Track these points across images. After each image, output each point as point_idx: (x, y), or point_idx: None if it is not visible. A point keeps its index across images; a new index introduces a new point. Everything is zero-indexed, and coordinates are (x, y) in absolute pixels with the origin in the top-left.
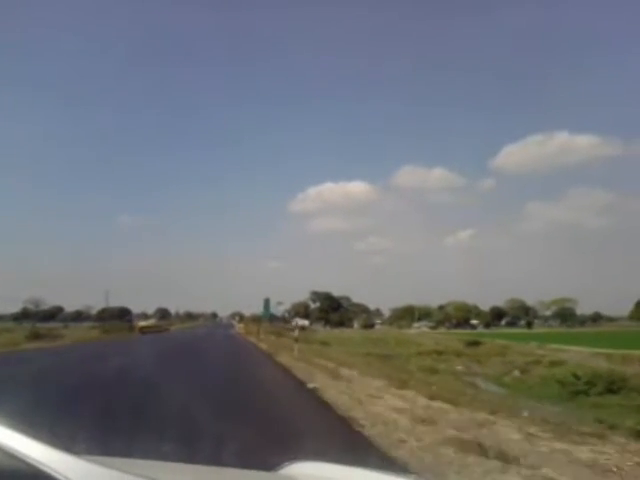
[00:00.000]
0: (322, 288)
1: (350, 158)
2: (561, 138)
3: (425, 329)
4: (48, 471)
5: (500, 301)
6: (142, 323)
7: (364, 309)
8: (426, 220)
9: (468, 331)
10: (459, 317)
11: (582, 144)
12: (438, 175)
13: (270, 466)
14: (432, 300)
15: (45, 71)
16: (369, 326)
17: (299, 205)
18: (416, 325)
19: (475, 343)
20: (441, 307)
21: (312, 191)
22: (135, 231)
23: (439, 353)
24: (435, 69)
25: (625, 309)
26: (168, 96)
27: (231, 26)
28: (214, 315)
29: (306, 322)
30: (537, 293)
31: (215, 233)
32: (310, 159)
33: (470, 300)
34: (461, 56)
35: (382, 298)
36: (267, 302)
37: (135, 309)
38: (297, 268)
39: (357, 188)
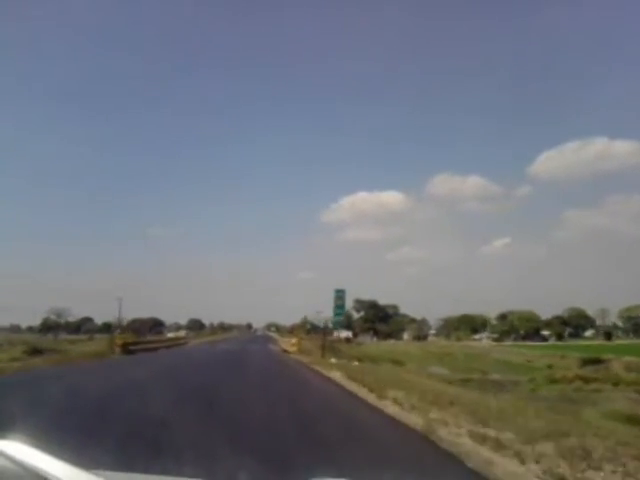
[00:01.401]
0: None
1: (384, 167)
2: (599, 144)
3: (488, 341)
4: None
5: (538, 310)
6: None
7: (412, 319)
8: (460, 229)
9: (542, 343)
10: (527, 328)
11: (621, 150)
12: (473, 183)
13: None
14: (467, 309)
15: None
16: (422, 337)
17: (332, 215)
18: (476, 337)
19: (596, 361)
20: (502, 316)
21: (345, 201)
22: (170, 244)
23: (585, 380)
24: (471, 76)
25: None
26: (197, 106)
27: (263, 30)
28: (249, 326)
29: (349, 333)
30: (577, 302)
31: (248, 245)
32: (343, 169)
33: (502, 309)
34: (497, 62)
35: (416, 308)
36: (340, 295)
37: (169, 320)
38: (330, 278)
39: (391, 198)
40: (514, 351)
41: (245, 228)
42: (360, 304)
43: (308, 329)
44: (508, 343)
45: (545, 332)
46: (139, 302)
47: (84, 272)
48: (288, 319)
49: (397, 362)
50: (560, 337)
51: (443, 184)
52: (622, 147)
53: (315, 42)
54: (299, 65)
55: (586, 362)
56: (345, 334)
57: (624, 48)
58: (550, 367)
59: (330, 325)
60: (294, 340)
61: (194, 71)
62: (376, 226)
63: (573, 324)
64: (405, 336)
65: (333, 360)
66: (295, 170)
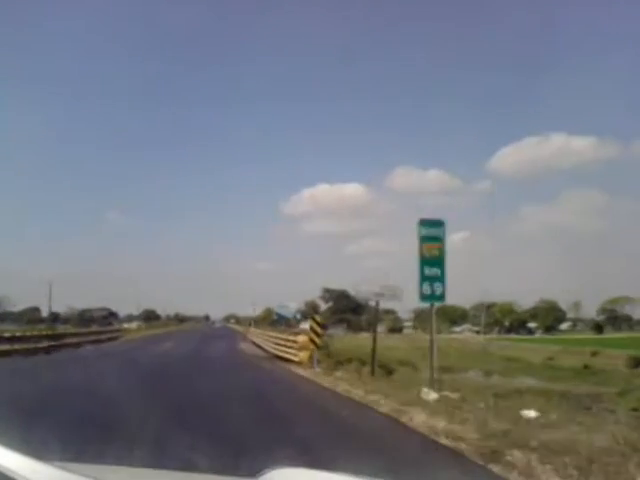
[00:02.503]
0: (313, 292)
1: (345, 159)
2: (558, 140)
3: (470, 334)
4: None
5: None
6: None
7: (385, 311)
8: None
9: (532, 337)
10: (511, 320)
11: (579, 146)
12: (433, 177)
13: (251, 473)
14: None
15: (43, 66)
16: (396, 330)
17: (293, 207)
18: (457, 329)
19: None
20: (489, 306)
21: (306, 192)
22: (122, 230)
23: None
24: (432, 68)
25: None
26: (159, 92)
27: (222, 24)
28: (206, 318)
29: (303, 325)
30: (532, 296)
31: (207, 235)
32: (304, 160)
33: (461, 302)
34: (458, 55)
35: None
36: None
37: (124, 311)
38: (289, 270)
39: (352, 190)
40: (515, 346)
41: (204, 218)
42: (329, 293)
43: (271, 321)
44: (493, 336)
45: (531, 325)
46: (93, 292)
47: (32, 258)
48: (247, 311)
49: (403, 363)
50: (548, 330)
51: (403, 177)
52: (580, 143)
53: (275, 30)
54: (261, 51)
55: None
56: (307, 325)
57: (585, 42)
58: (608, 371)
59: (298, 317)
60: (301, 339)
61: (155, 55)
62: (337, 218)
63: (550, 317)
64: (378, 329)
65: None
66: (255, 159)
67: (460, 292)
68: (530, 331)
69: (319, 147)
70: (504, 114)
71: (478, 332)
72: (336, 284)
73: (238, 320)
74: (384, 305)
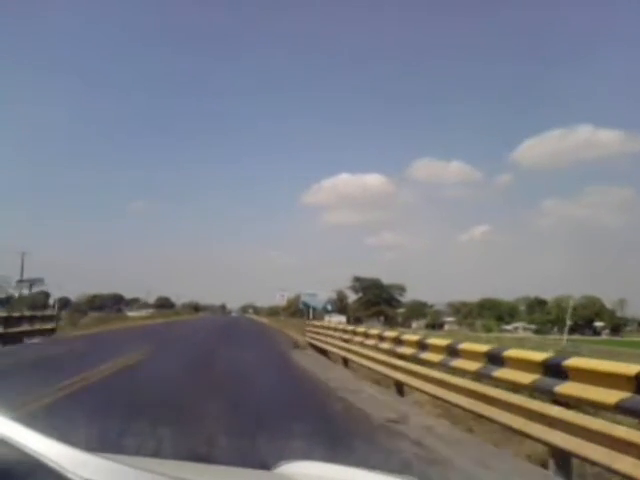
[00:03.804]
0: (333, 283)
1: (367, 149)
2: (583, 133)
3: (523, 333)
4: (56, 467)
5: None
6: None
7: (422, 303)
8: (441, 214)
9: (598, 338)
10: (577, 318)
11: (604, 139)
12: (455, 168)
13: (266, 466)
14: (449, 296)
15: (59, 54)
16: (438, 326)
17: (313, 196)
18: (508, 327)
19: None
20: (539, 303)
21: (326, 183)
22: (143, 218)
23: None
24: (454, 60)
25: None
26: (180, 81)
27: (241, 15)
28: (223, 307)
29: (342, 318)
30: (554, 291)
31: (227, 225)
32: (325, 149)
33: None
34: (481, 46)
35: None
36: None
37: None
38: (308, 261)
39: (372, 180)
40: (611, 351)
41: (224, 208)
42: (359, 283)
43: (293, 312)
44: (555, 336)
45: (598, 324)
46: (110, 279)
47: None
48: (265, 301)
49: None
50: (616, 330)
51: (425, 168)
52: (606, 136)
53: (295, 21)
54: (281, 42)
55: None
56: (337, 319)
57: (611, 35)
58: None
59: (329, 308)
60: None
61: (175, 46)
62: (357, 209)
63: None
64: (414, 324)
65: None
66: (276, 149)
67: (479, 285)
68: (595, 331)
69: (340, 136)
70: (528, 105)
71: (537, 331)
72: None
73: (256, 310)
74: (415, 296)
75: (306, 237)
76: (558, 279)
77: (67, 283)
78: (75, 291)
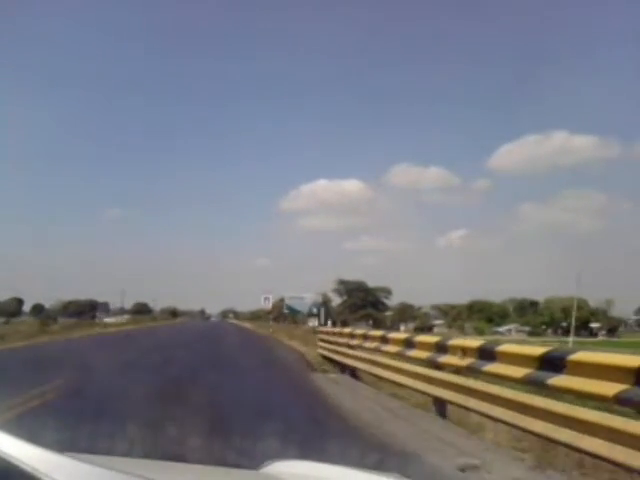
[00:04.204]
0: (305, 288)
1: (345, 155)
2: (559, 138)
3: (516, 335)
4: (30, 470)
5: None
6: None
7: (405, 306)
8: (419, 220)
9: (595, 339)
10: (579, 318)
11: (580, 145)
12: (433, 174)
13: (252, 465)
14: (430, 300)
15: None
16: (426, 329)
17: (291, 202)
18: (501, 329)
19: None
20: (532, 304)
21: (305, 188)
22: (119, 225)
23: None
24: (432, 65)
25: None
26: (156, 88)
27: (224, 20)
28: (202, 312)
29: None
30: (535, 293)
31: (203, 229)
32: (303, 155)
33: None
34: (458, 52)
35: None
36: None
37: (114, 304)
38: (286, 266)
39: (350, 186)
40: (615, 352)
41: (201, 213)
42: (344, 286)
43: (276, 316)
44: (551, 338)
45: (594, 325)
46: (88, 286)
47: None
48: (245, 306)
49: None
50: (612, 332)
51: (403, 174)
52: (581, 142)
53: (275, 27)
54: (259, 47)
55: None
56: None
57: (587, 41)
58: None
59: (315, 310)
60: None
61: (161, 54)
62: (335, 215)
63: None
64: (402, 327)
65: None
66: (253, 155)
67: (460, 289)
68: (591, 332)
69: (318, 142)
70: (505, 111)
71: (531, 333)
72: (332, 281)
73: (237, 315)
74: (398, 299)
75: (285, 242)
76: (538, 281)
77: (43, 290)
78: (51, 298)
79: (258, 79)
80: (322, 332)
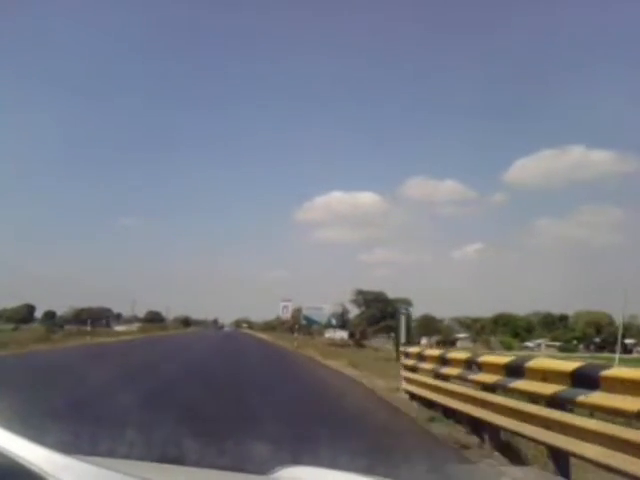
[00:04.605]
0: (321, 299)
1: (360, 167)
2: (576, 153)
3: (546, 350)
4: (38, 471)
5: None
6: None
7: (428, 318)
8: (434, 233)
9: (630, 356)
10: (606, 334)
11: (597, 159)
12: (449, 187)
13: (262, 471)
14: (445, 313)
15: (48, 65)
16: (449, 343)
17: (306, 214)
18: (529, 344)
19: None
20: (562, 318)
21: (319, 200)
22: (134, 235)
23: None
24: (448, 78)
25: None
26: (168, 96)
27: (235, 22)
28: (215, 322)
29: (344, 334)
30: (553, 307)
31: (218, 241)
32: (318, 167)
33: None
34: (475, 65)
35: None
36: None
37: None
38: (302, 277)
39: (366, 198)
40: None
41: (217, 224)
42: (362, 296)
43: (290, 326)
44: (584, 354)
45: (629, 341)
46: (101, 294)
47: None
48: (259, 316)
49: None
50: None
51: (418, 187)
52: (598, 157)
53: (289, 33)
54: (274, 54)
55: None
56: (339, 335)
57: (604, 55)
58: None
59: (332, 322)
60: None
61: (160, 55)
62: (350, 227)
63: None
64: (423, 340)
65: None
66: (268, 166)
67: (475, 302)
68: (626, 349)
69: (333, 154)
70: (521, 126)
71: (563, 349)
72: (348, 292)
73: (250, 325)
74: (421, 312)
75: (299, 253)
76: (554, 295)
77: (56, 297)
78: (64, 305)
79: (263, 85)
80: (410, 355)
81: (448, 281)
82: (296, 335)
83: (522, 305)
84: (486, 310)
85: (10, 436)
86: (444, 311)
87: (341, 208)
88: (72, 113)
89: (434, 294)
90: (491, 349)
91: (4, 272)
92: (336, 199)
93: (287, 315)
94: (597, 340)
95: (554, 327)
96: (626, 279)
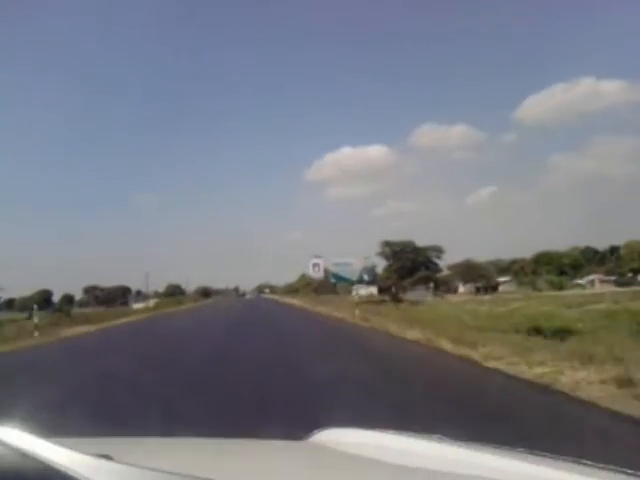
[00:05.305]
0: (341, 255)
1: (367, 120)
2: (586, 85)
3: (600, 287)
4: (71, 473)
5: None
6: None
7: (471, 264)
8: (447, 180)
9: None
10: None
11: (608, 90)
12: (458, 132)
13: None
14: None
15: (55, 53)
16: (491, 288)
17: (316, 173)
18: (581, 281)
19: None
20: (613, 250)
21: (329, 157)
22: (150, 208)
23: None
24: (454, 20)
25: None
26: (187, 74)
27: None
28: (236, 290)
29: (374, 290)
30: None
31: (232, 207)
32: (325, 124)
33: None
34: (479, 4)
35: None
36: None
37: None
38: (317, 237)
39: (375, 152)
40: None
41: (228, 191)
42: (389, 247)
43: (315, 287)
44: None
45: None
46: (121, 272)
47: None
48: (279, 280)
49: None
50: None
51: (428, 134)
52: (609, 87)
53: None
54: (278, 7)
55: None
56: (365, 291)
57: None
58: None
59: (364, 277)
60: None
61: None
62: (362, 182)
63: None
64: (461, 289)
65: None
66: (274, 129)
67: (498, 246)
68: None
69: (339, 109)
70: (528, 61)
71: (621, 284)
72: (365, 248)
73: (273, 289)
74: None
75: (314, 213)
76: (577, 231)
77: (75, 281)
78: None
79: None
80: None
81: (465, 227)
82: (357, 298)
83: (547, 243)
84: (512, 252)
85: (40, 441)
86: (468, 255)
87: (351, 163)
88: (85, 97)
89: (453, 242)
90: (539, 291)
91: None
92: (345, 155)
93: (319, 274)
94: None
95: (601, 261)
96: None
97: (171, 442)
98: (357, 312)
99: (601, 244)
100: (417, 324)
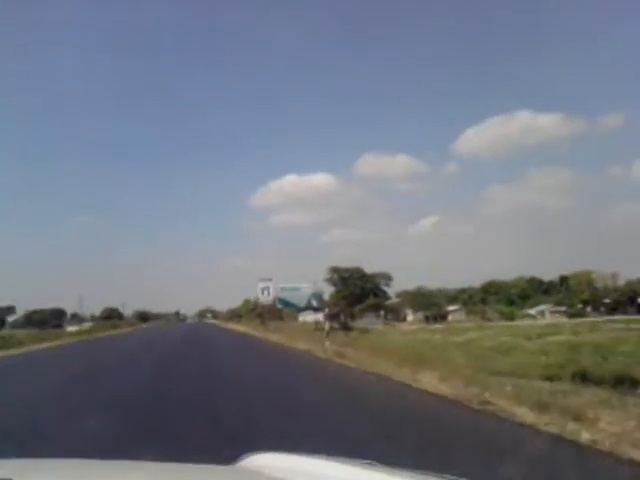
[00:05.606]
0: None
1: (312, 148)
2: (523, 118)
3: (550, 317)
4: None
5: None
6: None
7: (423, 291)
8: (391, 208)
9: None
10: (614, 297)
11: (544, 124)
12: (400, 162)
13: (229, 459)
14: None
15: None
16: (440, 317)
17: (261, 199)
18: (532, 312)
19: None
20: (562, 280)
21: (274, 184)
22: (91, 230)
23: None
24: (392, 52)
25: None
26: (130, 93)
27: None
28: (177, 314)
29: (320, 316)
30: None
31: (175, 232)
32: (271, 152)
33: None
34: (418, 38)
35: None
36: None
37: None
38: (262, 264)
39: (320, 179)
40: None
41: (169, 214)
42: (337, 274)
43: (259, 313)
44: (599, 318)
45: None
46: (58, 295)
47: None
48: (221, 306)
49: None
50: None
51: (371, 164)
52: (545, 121)
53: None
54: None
55: None
56: (312, 317)
57: (547, 21)
58: None
59: (313, 303)
60: None
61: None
62: (307, 209)
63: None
64: (410, 316)
65: None
66: (220, 155)
67: (438, 275)
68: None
69: (284, 138)
70: (467, 94)
71: (572, 315)
72: (312, 274)
73: (215, 314)
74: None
75: (259, 239)
76: (512, 261)
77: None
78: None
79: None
80: None
81: (410, 256)
82: (327, 325)
83: (491, 273)
84: (457, 281)
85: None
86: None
87: (297, 190)
88: (51, 112)
89: (400, 269)
90: (488, 320)
91: None
92: (290, 182)
93: (269, 298)
94: (607, 301)
95: (546, 292)
96: (580, 239)
97: (80, 464)
98: (328, 344)
99: (543, 274)
100: (410, 362)
